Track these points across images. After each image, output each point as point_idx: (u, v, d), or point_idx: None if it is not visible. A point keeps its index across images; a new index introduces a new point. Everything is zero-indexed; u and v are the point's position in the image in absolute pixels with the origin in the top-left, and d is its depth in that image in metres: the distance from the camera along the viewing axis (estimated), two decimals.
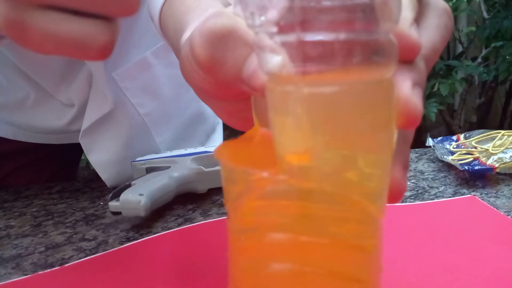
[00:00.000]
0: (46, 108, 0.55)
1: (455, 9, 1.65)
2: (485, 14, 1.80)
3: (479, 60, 1.78)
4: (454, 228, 0.35)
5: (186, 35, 0.27)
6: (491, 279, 0.28)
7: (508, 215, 0.38)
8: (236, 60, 0.19)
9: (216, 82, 0.21)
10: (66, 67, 0.53)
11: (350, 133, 0.16)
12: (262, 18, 0.16)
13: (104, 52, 0.20)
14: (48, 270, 0.34)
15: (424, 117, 1.58)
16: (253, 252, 0.19)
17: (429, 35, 0.19)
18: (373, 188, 0.17)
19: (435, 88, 1.61)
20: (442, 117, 1.89)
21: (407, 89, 0.16)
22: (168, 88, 0.58)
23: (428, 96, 1.66)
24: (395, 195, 0.18)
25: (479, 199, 0.41)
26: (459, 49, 1.96)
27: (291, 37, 0.15)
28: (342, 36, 0.15)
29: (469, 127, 1.93)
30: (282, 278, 0.18)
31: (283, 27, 0.15)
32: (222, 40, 0.19)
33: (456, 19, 1.92)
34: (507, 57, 1.63)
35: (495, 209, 0.39)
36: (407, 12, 0.17)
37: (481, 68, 1.72)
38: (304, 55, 0.15)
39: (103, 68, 0.50)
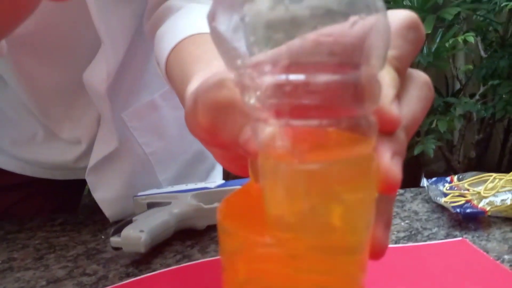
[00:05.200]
0: (55, 145, 0.57)
1: (452, 47, 1.68)
2: (482, 53, 1.84)
3: (477, 97, 1.81)
4: (443, 272, 0.36)
5: (191, 87, 0.29)
6: None
7: (498, 259, 0.39)
8: (234, 128, 0.20)
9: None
10: (71, 108, 0.55)
11: (332, 201, 0.17)
12: (253, 100, 0.17)
13: None
14: None
15: (423, 153, 1.60)
16: None
17: (410, 106, 0.20)
18: (355, 249, 0.18)
19: (433, 125, 1.63)
20: (442, 153, 1.90)
21: (387, 160, 0.18)
22: (174, 128, 0.61)
23: (426, 132, 1.68)
24: (377, 253, 0.19)
25: (469, 242, 0.42)
26: (457, 86, 2.00)
27: (279, 122, 0.17)
28: (325, 122, 0.16)
29: (468, 162, 1.94)
30: None
31: (274, 109, 0.17)
32: (223, 111, 0.21)
33: (454, 57, 1.96)
34: (504, 95, 1.66)
35: (485, 253, 0.40)
36: (389, 90, 0.19)
37: (479, 105, 1.75)
38: (290, 136, 0.17)
39: (110, 109, 0.52)
